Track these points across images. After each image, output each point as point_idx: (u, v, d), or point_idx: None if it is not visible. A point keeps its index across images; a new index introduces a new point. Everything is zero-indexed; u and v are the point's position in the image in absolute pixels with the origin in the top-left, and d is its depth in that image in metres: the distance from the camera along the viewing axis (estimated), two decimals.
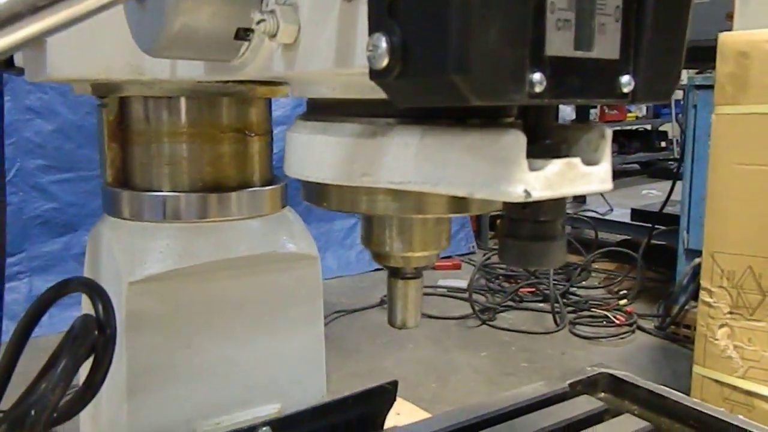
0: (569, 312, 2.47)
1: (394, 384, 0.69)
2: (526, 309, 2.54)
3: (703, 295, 1.59)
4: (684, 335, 2.15)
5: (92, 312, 0.46)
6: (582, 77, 0.27)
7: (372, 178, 0.30)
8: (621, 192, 4.70)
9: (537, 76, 0.25)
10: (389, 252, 0.35)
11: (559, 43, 0.26)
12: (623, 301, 2.52)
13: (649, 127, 6.07)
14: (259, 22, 0.30)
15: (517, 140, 0.26)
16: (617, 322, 2.37)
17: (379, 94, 0.27)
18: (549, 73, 0.25)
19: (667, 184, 2.73)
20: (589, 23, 0.27)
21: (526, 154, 0.27)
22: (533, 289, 2.69)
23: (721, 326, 1.56)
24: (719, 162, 1.52)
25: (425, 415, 1.35)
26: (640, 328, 2.35)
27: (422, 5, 0.24)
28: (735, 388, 1.54)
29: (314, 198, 0.34)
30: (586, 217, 3.26)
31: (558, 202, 0.28)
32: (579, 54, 0.27)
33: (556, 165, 0.27)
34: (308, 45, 0.30)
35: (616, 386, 0.79)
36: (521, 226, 0.29)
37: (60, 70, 0.48)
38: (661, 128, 6.04)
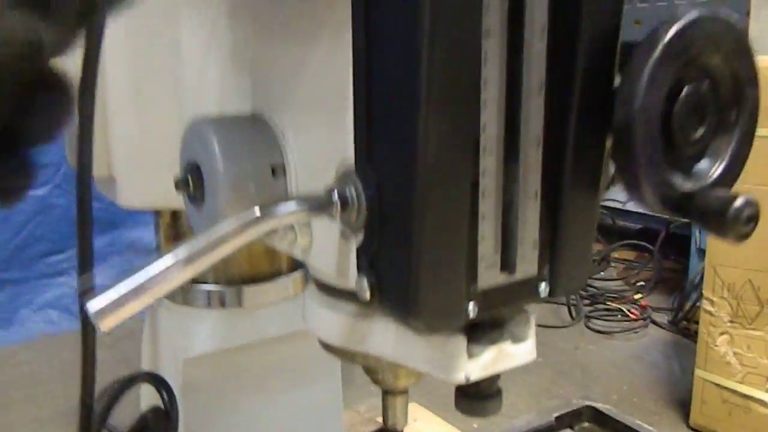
0: (585, 305, 2.57)
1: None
2: (544, 301, 2.65)
3: (705, 304, 1.69)
4: (695, 331, 2.24)
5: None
6: (506, 293, 0.38)
7: (364, 346, 0.42)
8: None
9: (471, 305, 0.36)
10: (381, 380, 0.48)
11: (488, 278, 0.37)
12: (638, 296, 2.61)
13: None
14: (283, 235, 0.42)
15: (460, 342, 0.38)
16: (632, 316, 2.47)
17: None
18: (480, 299, 0.37)
19: None
20: (512, 260, 0.38)
21: (468, 340, 0.38)
22: None
23: (722, 334, 1.66)
24: None
25: (440, 420, 1.48)
26: (653, 322, 2.45)
27: (390, 263, 0.36)
28: (733, 391, 1.64)
29: (323, 346, 0.46)
30: (604, 206, 3.32)
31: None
32: (503, 279, 0.38)
33: (490, 352, 0.39)
34: (317, 256, 0.42)
35: (599, 419, 0.91)
36: (467, 388, 0.41)
37: (127, 200, 0.61)
38: None
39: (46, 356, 2.36)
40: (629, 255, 3.09)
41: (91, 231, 0.58)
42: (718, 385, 1.67)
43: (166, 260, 0.34)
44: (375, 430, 0.54)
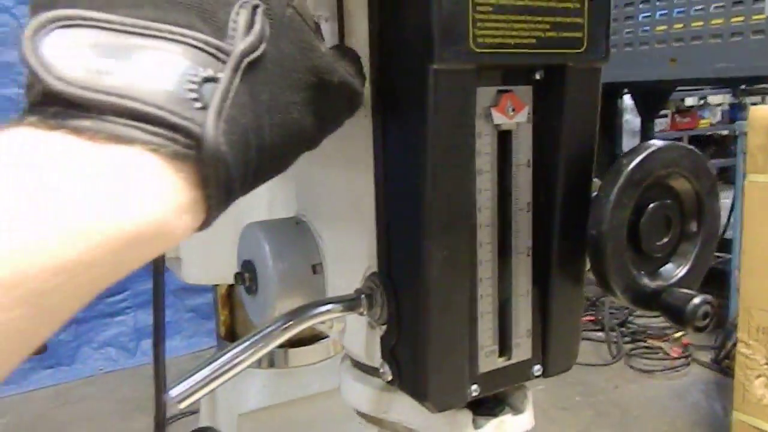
0: (626, 343, 2.59)
1: None
2: (585, 338, 2.68)
3: (741, 347, 1.71)
4: None
5: None
6: (504, 374, 0.46)
7: (388, 415, 0.51)
8: None
9: (474, 387, 0.45)
10: None
11: (488, 364, 0.45)
12: (679, 333, 2.61)
13: (725, 132, 5.94)
14: (321, 323, 0.51)
15: (466, 417, 0.46)
16: (673, 354, 2.47)
17: None
18: (482, 382, 0.45)
19: None
20: (509, 347, 0.46)
21: (476, 413, 0.47)
22: (593, 318, 2.82)
23: (758, 376, 1.68)
24: (752, 226, 1.64)
25: None
26: (695, 360, 2.45)
27: (406, 355, 0.44)
28: None
29: (357, 412, 0.55)
30: None
31: None
32: (502, 363, 0.46)
33: (492, 424, 0.47)
34: (349, 340, 0.51)
35: None
36: None
37: (191, 278, 0.71)
38: (736, 133, 5.88)
39: (106, 392, 2.50)
40: None
41: (164, 304, 0.68)
42: (756, 428, 1.68)
43: (233, 352, 0.43)
44: None
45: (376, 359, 0.48)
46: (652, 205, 0.45)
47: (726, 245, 2.59)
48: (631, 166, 0.44)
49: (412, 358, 0.44)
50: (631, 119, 4.49)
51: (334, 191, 0.51)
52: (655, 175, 0.45)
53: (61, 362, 2.68)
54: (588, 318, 2.81)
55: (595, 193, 0.46)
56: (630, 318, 2.81)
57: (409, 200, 0.43)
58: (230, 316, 0.78)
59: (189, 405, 0.43)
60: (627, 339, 2.62)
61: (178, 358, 2.66)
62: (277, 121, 0.34)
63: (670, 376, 2.37)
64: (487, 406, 0.48)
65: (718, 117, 5.86)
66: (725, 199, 4.66)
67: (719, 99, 5.86)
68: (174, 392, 0.42)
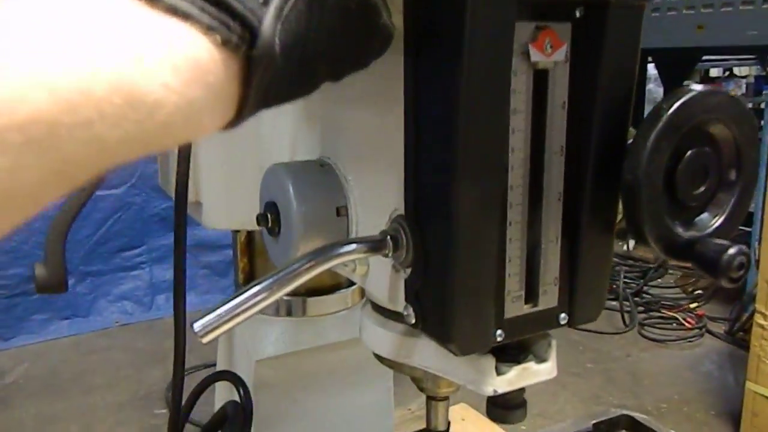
0: (640, 312, 2.58)
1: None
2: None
3: (758, 318, 1.70)
4: None
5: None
6: (530, 322, 0.46)
7: (410, 359, 0.50)
8: None
9: (499, 332, 0.44)
10: (424, 387, 0.56)
11: (514, 309, 0.45)
12: (694, 305, 2.60)
13: (750, 105, 5.84)
14: (345, 265, 0.50)
15: (489, 362, 0.45)
16: (687, 325, 2.46)
17: None
18: (507, 327, 0.44)
19: None
20: (536, 293, 0.45)
21: (497, 360, 0.46)
22: (609, 287, 2.81)
23: None
24: None
25: (487, 421, 1.55)
26: (709, 331, 2.44)
27: (432, 299, 0.44)
28: None
29: (377, 357, 0.54)
30: None
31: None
32: (528, 309, 0.45)
33: (515, 371, 0.46)
34: (372, 283, 0.50)
35: (635, 427, 0.96)
36: (497, 398, 0.48)
37: (211, 222, 0.71)
38: (762, 106, 5.79)
39: (122, 344, 2.53)
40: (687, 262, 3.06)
41: (185, 248, 0.68)
42: None
43: (256, 289, 0.42)
44: (419, 431, 0.62)
45: (399, 303, 0.47)
46: (690, 152, 0.44)
47: (746, 218, 2.55)
48: (672, 110, 0.42)
49: (437, 301, 0.43)
50: (654, 88, 4.42)
51: (362, 132, 0.50)
52: (695, 121, 0.43)
53: (78, 314, 2.73)
54: None
55: (630, 141, 0.45)
56: (645, 288, 2.80)
57: (440, 139, 0.41)
58: (249, 264, 0.78)
59: (211, 341, 0.43)
60: (641, 309, 2.61)
61: (192, 314, 2.69)
62: (321, 38, 0.32)
63: (683, 346, 2.37)
64: (510, 353, 0.47)
65: (743, 89, 5.75)
66: None
67: (745, 71, 5.74)
68: (197, 325, 0.42)
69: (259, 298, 0.43)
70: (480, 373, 0.46)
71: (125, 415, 1.98)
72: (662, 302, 2.66)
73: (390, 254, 0.45)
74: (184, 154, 0.60)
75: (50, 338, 2.58)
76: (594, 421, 0.96)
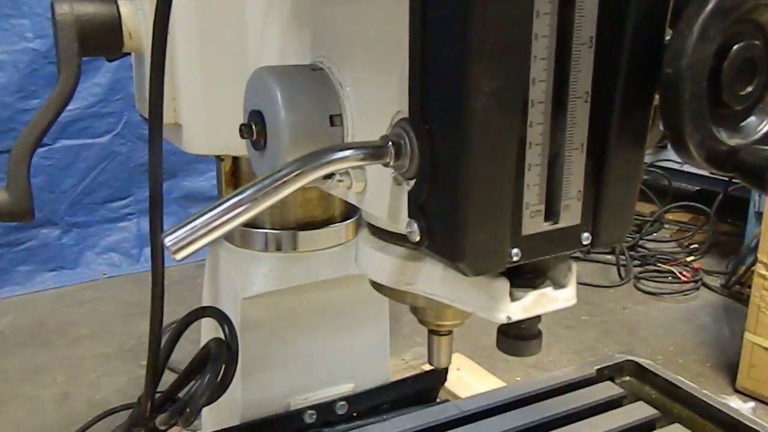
0: (635, 266, 2.55)
1: (445, 368, 0.86)
2: (593, 261, 2.63)
3: (759, 268, 1.66)
4: (748, 296, 2.20)
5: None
6: (550, 241, 0.40)
7: (412, 287, 0.45)
8: None
9: (515, 251, 0.39)
10: (426, 320, 0.51)
11: (532, 225, 0.39)
12: (690, 258, 2.57)
13: None
14: (339, 180, 0.45)
15: (503, 285, 0.40)
16: (683, 278, 2.43)
17: None
18: (524, 246, 0.39)
19: None
20: (557, 207, 0.40)
21: (512, 285, 0.41)
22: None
23: None
24: None
25: (483, 370, 1.52)
26: (705, 285, 2.41)
27: (440, 210, 0.38)
28: None
29: (375, 286, 0.49)
30: (660, 167, 3.24)
31: (533, 317, 0.42)
32: (548, 227, 0.40)
33: (531, 296, 0.41)
34: (371, 198, 0.44)
35: (640, 373, 0.93)
36: (509, 328, 0.43)
37: (192, 147, 0.64)
38: None
39: (109, 296, 2.48)
40: (684, 217, 3.02)
41: (162, 173, 0.62)
42: (767, 349, 1.65)
43: (234, 198, 0.37)
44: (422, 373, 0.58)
45: (401, 220, 0.41)
46: (737, 46, 0.38)
47: None
48: None
49: (445, 213, 0.38)
50: None
51: (360, 29, 0.44)
52: (746, 7, 0.37)
53: (65, 266, 2.67)
54: None
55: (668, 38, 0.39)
56: (641, 242, 2.77)
57: (452, 24, 0.35)
58: None
59: (185, 257, 0.37)
60: (636, 263, 2.57)
61: (177, 268, 2.63)
62: None
63: (679, 299, 2.34)
64: (525, 278, 0.42)
65: None
66: None
67: None
68: (169, 240, 0.36)
69: (240, 209, 0.37)
70: (492, 299, 0.41)
71: (112, 366, 1.94)
72: (658, 256, 2.62)
73: (391, 163, 0.40)
74: (157, 60, 0.53)
75: (36, 290, 2.53)
76: (597, 367, 0.92)
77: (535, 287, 0.42)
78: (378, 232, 0.47)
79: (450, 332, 0.52)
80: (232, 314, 0.69)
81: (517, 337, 0.43)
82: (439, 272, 0.43)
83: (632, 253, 2.64)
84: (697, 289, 2.40)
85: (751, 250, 2.22)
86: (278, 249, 0.71)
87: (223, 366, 0.58)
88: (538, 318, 0.43)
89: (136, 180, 2.75)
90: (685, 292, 2.38)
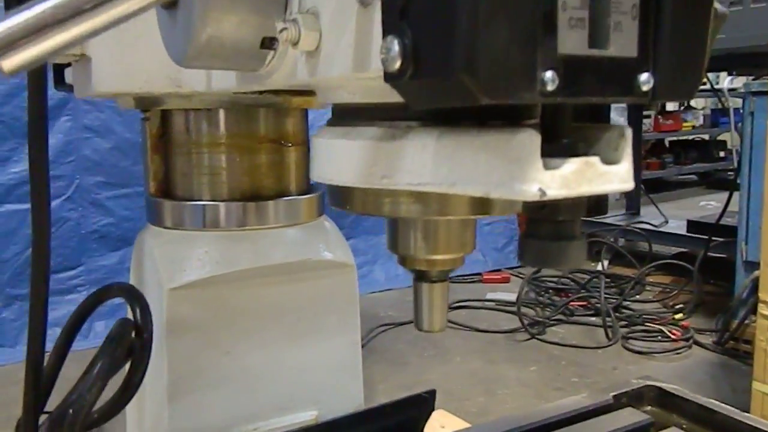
0: (622, 326, 2.41)
1: (432, 393, 0.69)
2: (577, 323, 2.48)
3: (762, 308, 1.53)
4: (744, 351, 2.07)
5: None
6: (598, 76, 0.27)
7: (391, 180, 0.30)
8: (677, 203, 4.58)
9: (549, 75, 0.25)
10: (414, 255, 0.36)
11: (572, 42, 0.26)
12: (679, 315, 2.44)
13: (707, 136, 5.91)
14: (282, 31, 0.31)
15: (531, 139, 0.26)
16: (673, 336, 2.29)
17: (398, 98, 0.28)
18: (562, 71, 0.25)
19: (726, 196, 2.63)
20: (604, 21, 0.26)
21: (543, 153, 0.27)
22: (584, 303, 2.64)
23: None
24: None
25: (468, 426, 1.33)
26: (697, 343, 2.27)
27: (432, 7, 0.25)
28: None
29: (339, 201, 0.34)
30: (639, 229, 3.17)
31: (576, 202, 0.28)
32: (594, 52, 0.26)
33: (573, 164, 0.27)
34: (328, 52, 0.31)
35: (664, 399, 0.77)
36: (540, 226, 0.28)
37: (104, 84, 0.50)
38: (719, 138, 5.87)
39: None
40: (665, 279, 2.92)
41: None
42: None
43: None
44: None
45: (373, 58, 0.28)
46: None
47: (729, 232, 2.43)
48: None
49: (440, 12, 0.24)
50: (615, 118, 4.37)
51: None
52: None
53: (3, 343, 2.42)
54: (579, 303, 2.62)
55: None
56: (625, 303, 2.63)
57: None
58: (163, 165, 0.58)
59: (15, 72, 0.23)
60: (623, 323, 2.43)
61: None
62: None
63: (672, 358, 2.19)
64: (561, 144, 0.28)
65: (701, 120, 5.79)
66: (710, 202, 4.54)
67: (702, 103, 5.80)
68: None
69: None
70: (516, 162, 0.26)
71: None
72: (644, 316, 2.49)
73: None
74: None
75: None
76: (614, 393, 0.76)
77: (576, 154, 0.27)
78: (339, 117, 0.33)
79: (444, 279, 0.37)
80: (157, 312, 0.53)
81: (551, 237, 0.28)
82: (429, 147, 0.29)
83: (617, 314, 2.50)
84: (690, 347, 2.25)
85: (743, 302, 2.10)
86: (218, 226, 0.56)
87: (130, 360, 0.42)
88: (579, 211, 0.29)
89: (86, 248, 2.57)
90: (677, 351, 2.23)
